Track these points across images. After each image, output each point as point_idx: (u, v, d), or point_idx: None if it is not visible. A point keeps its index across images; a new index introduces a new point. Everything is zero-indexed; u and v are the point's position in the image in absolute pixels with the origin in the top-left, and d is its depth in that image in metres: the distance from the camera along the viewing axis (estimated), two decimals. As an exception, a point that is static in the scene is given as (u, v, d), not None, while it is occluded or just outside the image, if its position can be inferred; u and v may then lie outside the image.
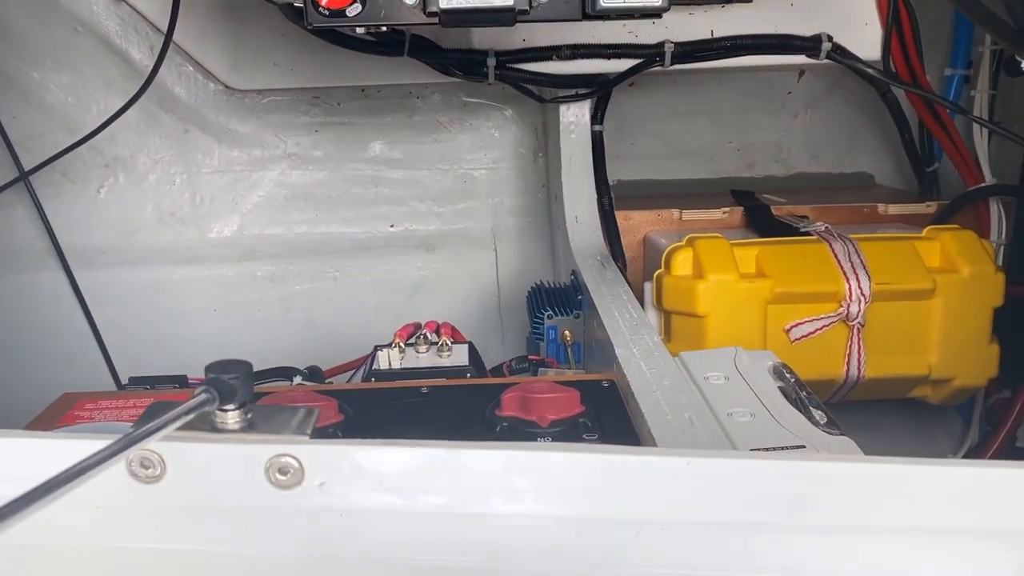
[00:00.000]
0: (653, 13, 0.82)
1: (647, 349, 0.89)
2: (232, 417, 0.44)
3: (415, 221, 1.60)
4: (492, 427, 0.75)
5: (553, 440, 0.73)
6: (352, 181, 1.57)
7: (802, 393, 0.79)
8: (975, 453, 1.31)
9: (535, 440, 0.73)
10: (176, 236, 1.51)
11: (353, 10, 0.80)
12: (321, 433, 0.74)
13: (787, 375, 0.83)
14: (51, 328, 1.42)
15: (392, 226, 1.59)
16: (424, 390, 0.84)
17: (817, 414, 0.75)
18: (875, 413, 1.37)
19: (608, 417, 0.77)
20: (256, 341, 1.49)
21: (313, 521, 0.42)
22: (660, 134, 1.68)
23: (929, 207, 1.43)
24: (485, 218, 1.62)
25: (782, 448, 0.69)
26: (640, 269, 1.42)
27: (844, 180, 1.72)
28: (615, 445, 0.42)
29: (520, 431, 0.74)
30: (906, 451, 1.45)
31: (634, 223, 1.43)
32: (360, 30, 0.83)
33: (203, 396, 0.42)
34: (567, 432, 0.74)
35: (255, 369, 1.07)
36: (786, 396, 0.79)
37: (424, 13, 0.80)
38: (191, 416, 0.41)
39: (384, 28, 0.84)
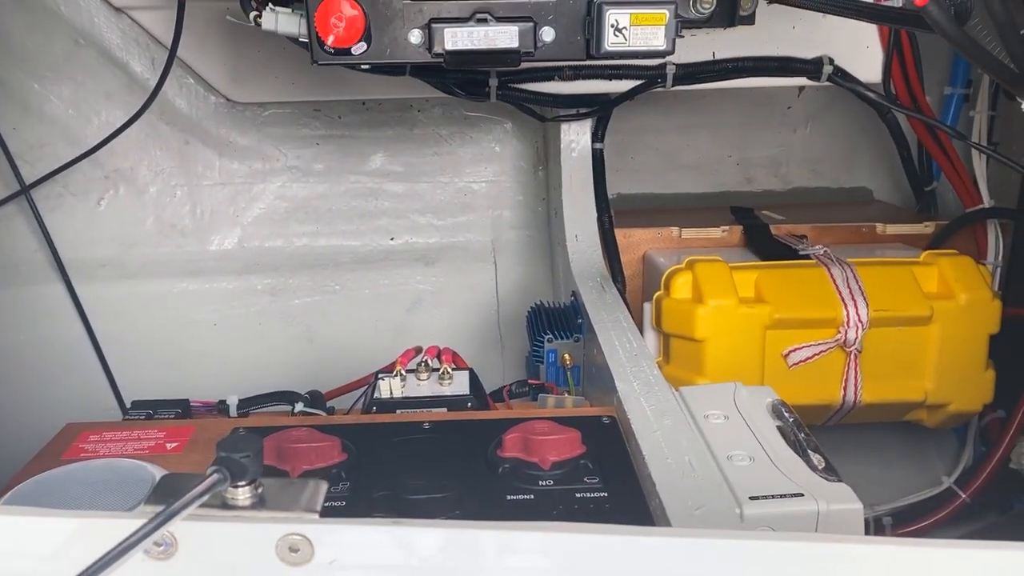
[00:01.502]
0: (657, 55, 0.82)
1: (647, 383, 0.90)
2: (243, 493, 0.45)
3: (415, 234, 1.60)
4: (494, 468, 0.76)
5: (555, 483, 0.74)
6: (352, 194, 1.58)
7: (800, 435, 0.80)
8: (970, 474, 1.33)
9: (537, 483, 0.74)
10: (176, 249, 1.51)
11: (358, 49, 0.80)
12: (324, 474, 0.75)
13: (785, 414, 0.84)
14: (51, 341, 1.43)
15: (392, 239, 1.59)
16: (426, 425, 0.85)
17: (816, 458, 0.76)
18: (870, 433, 1.38)
19: (609, 458, 0.78)
20: (256, 355, 1.49)
21: (323, 598, 0.43)
22: (660, 148, 1.68)
23: (927, 227, 1.44)
24: (485, 231, 1.62)
25: (780, 496, 0.70)
26: (639, 287, 1.43)
27: (842, 195, 1.73)
28: (625, 526, 0.43)
29: (522, 473, 0.75)
30: (901, 472, 1.46)
31: (634, 240, 1.44)
32: (365, 66, 0.83)
33: (215, 477, 0.43)
34: (569, 475, 0.75)
35: (255, 393, 1.08)
36: (784, 437, 0.80)
37: (429, 53, 0.80)
38: (205, 498, 0.42)
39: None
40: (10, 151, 1.39)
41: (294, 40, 0.93)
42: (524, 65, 1.30)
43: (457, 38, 0.78)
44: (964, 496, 1.30)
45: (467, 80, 1.29)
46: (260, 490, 0.45)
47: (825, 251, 1.26)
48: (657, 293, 1.23)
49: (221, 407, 1.07)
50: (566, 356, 1.17)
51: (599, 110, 1.38)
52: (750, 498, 0.69)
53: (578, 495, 0.72)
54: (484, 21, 0.78)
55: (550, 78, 1.29)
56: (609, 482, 0.74)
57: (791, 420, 0.82)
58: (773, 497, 0.70)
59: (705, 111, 1.66)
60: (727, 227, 1.44)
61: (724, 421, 0.82)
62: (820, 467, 0.74)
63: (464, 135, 1.60)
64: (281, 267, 1.53)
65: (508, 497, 0.72)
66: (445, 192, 1.61)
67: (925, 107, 1.36)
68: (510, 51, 0.79)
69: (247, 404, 1.05)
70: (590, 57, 0.81)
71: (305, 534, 0.43)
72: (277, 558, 0.43)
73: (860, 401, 1.18)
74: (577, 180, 1.42)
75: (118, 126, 1.42)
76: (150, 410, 1.00)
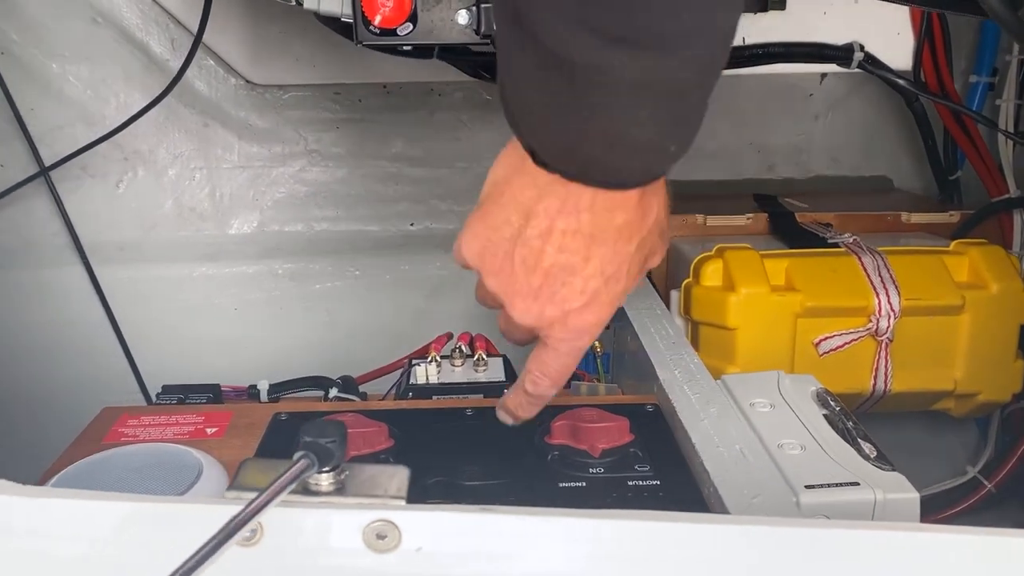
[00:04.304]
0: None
1: (689, 372, 0.89)
2: (326, 479, 0.44)
3: (435, 219, 1.59)
4: (542, 455, 0.75)
5: (605, 471, 0.73)
6: (372, 179, 1.56)
7: (848, 423, 0.79)
8: (995, 464, 1.33)
9: (587, 471, 0.73)
10: (196, 232, 1.50)
11: (404, 29, 0.79)
12: (373, 459, 0.74)
13: (831, 403, 0.83)
14: (71, 324, 1.41)
15: (412, 224, 1.58)
16: (468, 411, 0.84)
17: (867, 447, 0.75)
18: (890, 423, 1.38)
19: (657, 446, 0.77)
20: (276, 339, 1.48)
21: (410, 586, 0.42)
22: (680, 135, 1.67)
23: (952, 216, 1.43)
24: (504, 217, 1.61)
25: (836, 485, 0.69)
26: (663, 273, 1.42)
27: (862, 184, 1.72)
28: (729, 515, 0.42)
29: (571, 460, 0.74)
30: (923, 462, 1.46)
31: (657, 228, 1.42)
32: (407, 47, 0.82)
33: (304, 463, 0.42)
34: (619, 463, 0.74)
35: (296, 375, 1.07)
36: (832, 425, 0.80)
37: (477, 34, 0.79)
38: (295, 485, 0.41)
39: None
40: (30, 133, 1.37)
41: (332, 21, 0.92)
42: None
43: (507, 19, 0.76)
44: (989, 486, 1.30)
45: (495, 63, 1.28)
46: (343, 476, 0.44)
47: (855, 239, 1.25)
48: (686, 281, 1.22)
49: (252, 392, 1.06)
50: (596, 344, 1.16)
51: (624, 95, 1.37)
52: (806, 487, 0.69)
53: (630, 483, 0.72)
54: None
55: (578, 62, 1.28)
56: (660, 470, 0.74)
57: (837, 409, 0.82)
58: (829, 486, 0.69)
59: (726, 98, 1.65)
60: (752, 215, 1.43)
61: (770, 410, 0.82)
62: (872, 456, 0.74)
63: (485, 120, 1.59)
64: (301, 252, 1.52)
65: (560, 484, 0.71)
66: (465, 177, 1.60)
67: (954, 95, 1.35)
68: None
69: (278, 389, 1.05)
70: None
71: (393, 520, 0.42)
72: (363, 544, 0.42)
73: (890, 390, 1.18)
74: (602, 166, 1.40)
75: (136, 107, 1.41)
76: (181, 395, 0.99)
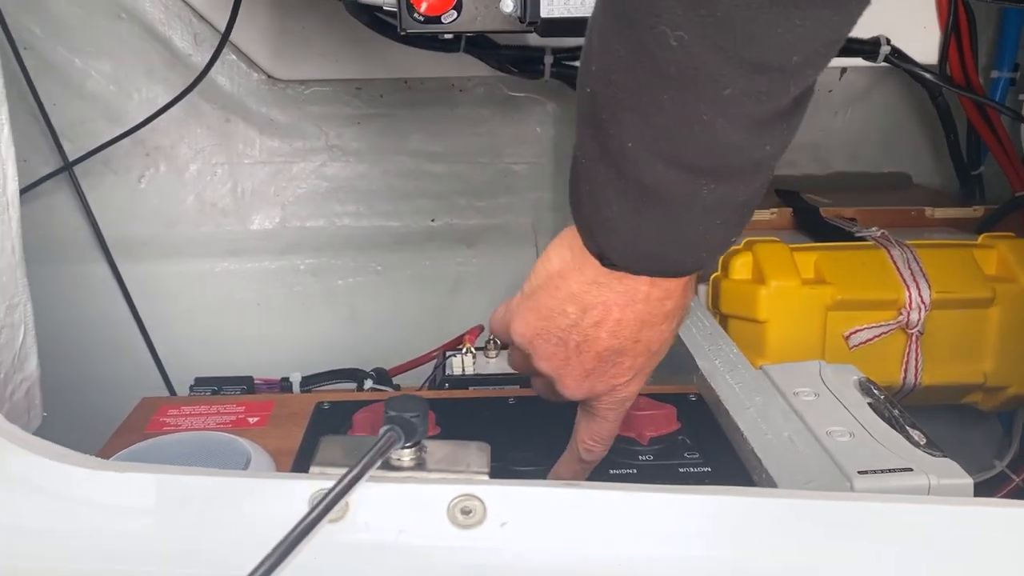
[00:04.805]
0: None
1: (729, 361, 0.89)
2: (407, 454, 0.43)
3: (455, 215, 1.59)
4: (590, 442, 0.75)
5: (655, 458, 0.73)
6: (393, 174, 1.56)
7: (894, 411, 0.79)
8: (1020, 460, 1.32)
9: (636, 458, 0.73)
10: (217, 228, 1.49)
11: (449, 17, 0.79)
12: (420, 446, 0.74)
13: (875, 391, 0.83)
14: (94, 320, 1.41)
15: (433, 220, 1.58)
16: (511, 400, 0.84)
17: (915, 434, 0.75)
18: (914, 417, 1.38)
19: (704, 434, 0.77)
20: (300, 335, 1.48)
21: (494, 560, 0.42)
22: (700, 131, 1.67)
23: (976, 211, 1.43)
24: (525, 213, 1.61)
25: (890, 471, 0.69)
26: (687, 269, 1.42)
27: (881, 179, 1.72)
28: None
29: (619, 447, 0.74)
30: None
31: (681, 222, 1.42)
32: (449, 36, 0.81)
33: (390, 435, 0.42)
34: (668, 450, 0.74)
35: (318, 370, 1.06)
36: (877, 413, 0.79)
37: (521, 22, 0.79)
38: (383, 458, 0.41)
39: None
40: (54, 128, 1.36)
41: (362, 14, 0.92)
42: (581, 42, 1.30)
43: (553, 5, 0.76)
44: (1017, 480, 1.29)
45: (521, 57, 1.28)
46: (423, 452, 0.44)
47: (883, 233, 1.25)
48: (714, 274, 1.22)
49: (284, 384, 1.06)
50: (625, 336, 1.16)
51: (650, 90, 1.37)
52: (859, 472, 0.68)
53: (680, 470, 0.72)
54: (581, -13, 0.76)
55: (605, 56, 1.28)
56: (709, 457, 0.73)
57: (882, 397, 0.82)
58: (882, 471, 0.69)
59: (746, 94, 1.65)
60: (775, 209, 1.43)
61: (815, 398, 0.81)
62: (922, 443, 0.73)
63: (506, 115, 1.58)
64: (323, 247, 1.52)
65: (611, 471, 0.71)
66: (485, 173, 1.59)
67: (979, 89, 1.35)
68: (607, 19, 0.77)
69: (311, 381, 1.04)
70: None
71: (479, 495, 0.42)
72: (448, 520, 0.42)
73: (920, 383, 1.18)
74: (626, 161, 1.40)
75: (159, 103, 1.40)
76: (215, 387, 0.99)
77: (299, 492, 0.40)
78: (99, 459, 0.46)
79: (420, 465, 0.43)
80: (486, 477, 0.43)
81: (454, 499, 0.42)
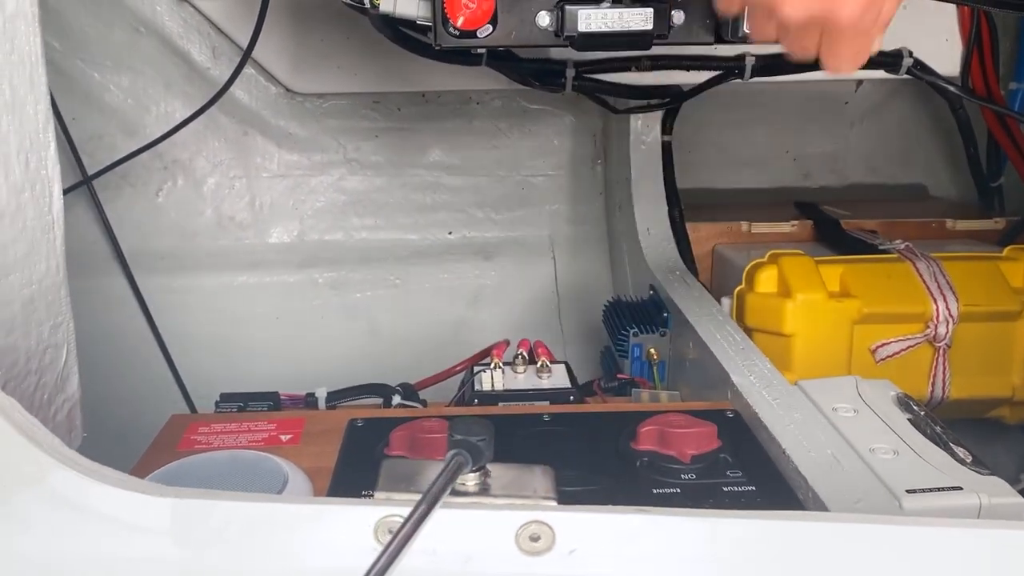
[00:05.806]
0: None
1: (763, 377, 0.88)
2: (472, 479, 0.43)
3: (473, 228, 1.58)
4: (630, 461, 0.74)
5: (697, 477, 0.72)
6: (411, 187, 1.56)
7: (936, 427, 0.78)
8: (1047, 473, 1.31)
9: (679, 476, 0.72)
10: (235, 241, 1.49)
11: (484, 31, 0.78)
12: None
13: (915, 407, 0.82)
14: (113, 333, 1.40)
15: (450, 233, 1.57)
16: (546, 417, 0.83)
17: (960, 451, 0.74)
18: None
19: (745, 451, 0.76)
20: (319, 349, 1.47)
21: (563, 590, 0.41)
22: (716, 143, 1.66)
23: (997, 223, 1.43)
24: (543, 226, 1.60)
25: (939, 489, 0.68)
26: (707, 282, 1.41)
27: (898, 191, 1.72)
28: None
29: (661, 466, 0.73)
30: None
31: (701, 235, 1.42)
32: (481, 50, 0.81)
33: (459, 459, 0.41)
34: (710, 468, 0.73)
35: (338, 383, 1.05)
36: (919, 429, 0.79)
37: (558, 36, 0.78)
38: (454, 483, 0.40)
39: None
40: (74, 142, 1.36)
41: (387, 28, 0.91)
42: (601, 55, 1.29)
43: (591, 20, 0.76)
44: (1044, 494, 1.28)
45: (543, 71, 1.27)
46: (487, 476, 0.43)
47: (907, 245, 1.24)
48: (739, 287, 1.21)
49: (309, 400, 1.04)
50: (652, 351, 1.15)
51: (671, 102, 1.36)
52: (907, 491, 0.67)
53: (725, 488, 0.71)
54: (619, 2, 0.76)
55: (627, 69, 1.28)
56: (752, 476, 0.72)
57: (922, 413, 0.81)
58: (931, 490, 0.68)
59: (762, 106, 1.65)
60: (796, 221, 1.43)
61: (854, 415, 0.80)
62: (968, 460, 0.72)
63: (523, 128, 1.58)
64: (341, 261, 1.51)
65: (654, 491, 0.70)
66: (503, 186, 1.59)
67: (1000, 101, 1.35)
68: (643, 33, 0.77)
69: (336, 397, 1.03)
70: (720, 41, 0.79)
71: (548, 522, 0.41)
72: (516, 547, 0.41)
73: (948, 397, 1.17)
74: (647, 173, 1.40)
75: (177, 116, 1.40)
76: (241, 403, 0.98)
77: (366, 519, 0.39)
78: (157, 484, 0.45)
79: (485, 490, 0.43)
80: (554, 503, 0.42)
81: (522, 525, 0.41)
